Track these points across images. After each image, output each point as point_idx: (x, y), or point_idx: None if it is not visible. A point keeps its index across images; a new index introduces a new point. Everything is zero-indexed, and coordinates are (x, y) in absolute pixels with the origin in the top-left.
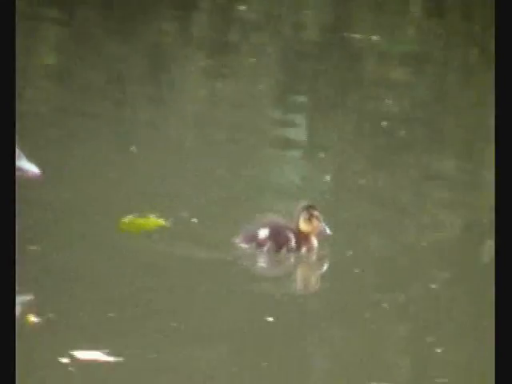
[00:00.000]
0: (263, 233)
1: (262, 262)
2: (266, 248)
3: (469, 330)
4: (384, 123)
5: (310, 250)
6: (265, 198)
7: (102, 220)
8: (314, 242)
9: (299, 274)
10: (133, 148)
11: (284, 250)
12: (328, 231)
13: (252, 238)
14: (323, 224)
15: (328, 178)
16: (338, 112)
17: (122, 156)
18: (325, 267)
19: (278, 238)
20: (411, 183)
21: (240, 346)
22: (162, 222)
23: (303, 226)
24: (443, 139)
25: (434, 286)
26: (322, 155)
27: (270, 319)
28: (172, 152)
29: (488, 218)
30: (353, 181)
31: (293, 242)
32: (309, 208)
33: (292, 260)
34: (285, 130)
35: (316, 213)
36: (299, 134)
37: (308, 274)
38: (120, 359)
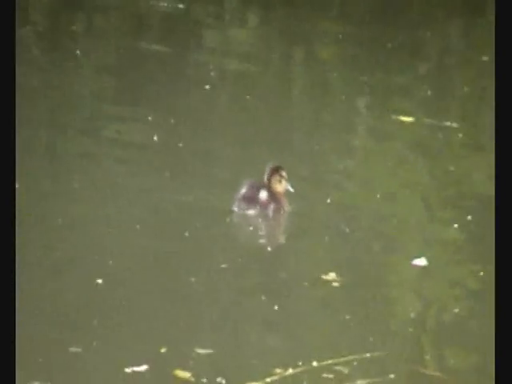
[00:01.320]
0: (263, 195)
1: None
2: (269, 210)
3: None
4: None
5: (284, 209)
6: None
7: None
8: (285, 201)
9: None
10: None
11: (282, 211)
12: (291, 189)
13: (254, 201)
14: (288, 183)
15: None
16: None
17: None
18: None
19: (275, 200)
20: None
21: None
22: None
23: (277, 187)
24: None
25: None
26: None
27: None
28: None
29: None
30: None
31: (284, 203)
32: (278, 169)
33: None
34: None
35: (284, 173)
36: None
37: (279, 231)
38: None
